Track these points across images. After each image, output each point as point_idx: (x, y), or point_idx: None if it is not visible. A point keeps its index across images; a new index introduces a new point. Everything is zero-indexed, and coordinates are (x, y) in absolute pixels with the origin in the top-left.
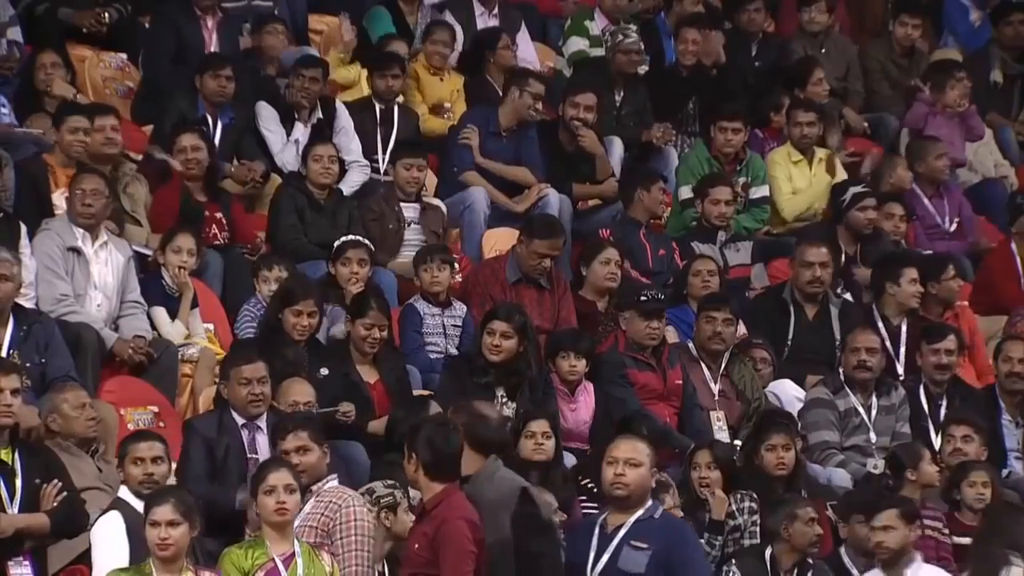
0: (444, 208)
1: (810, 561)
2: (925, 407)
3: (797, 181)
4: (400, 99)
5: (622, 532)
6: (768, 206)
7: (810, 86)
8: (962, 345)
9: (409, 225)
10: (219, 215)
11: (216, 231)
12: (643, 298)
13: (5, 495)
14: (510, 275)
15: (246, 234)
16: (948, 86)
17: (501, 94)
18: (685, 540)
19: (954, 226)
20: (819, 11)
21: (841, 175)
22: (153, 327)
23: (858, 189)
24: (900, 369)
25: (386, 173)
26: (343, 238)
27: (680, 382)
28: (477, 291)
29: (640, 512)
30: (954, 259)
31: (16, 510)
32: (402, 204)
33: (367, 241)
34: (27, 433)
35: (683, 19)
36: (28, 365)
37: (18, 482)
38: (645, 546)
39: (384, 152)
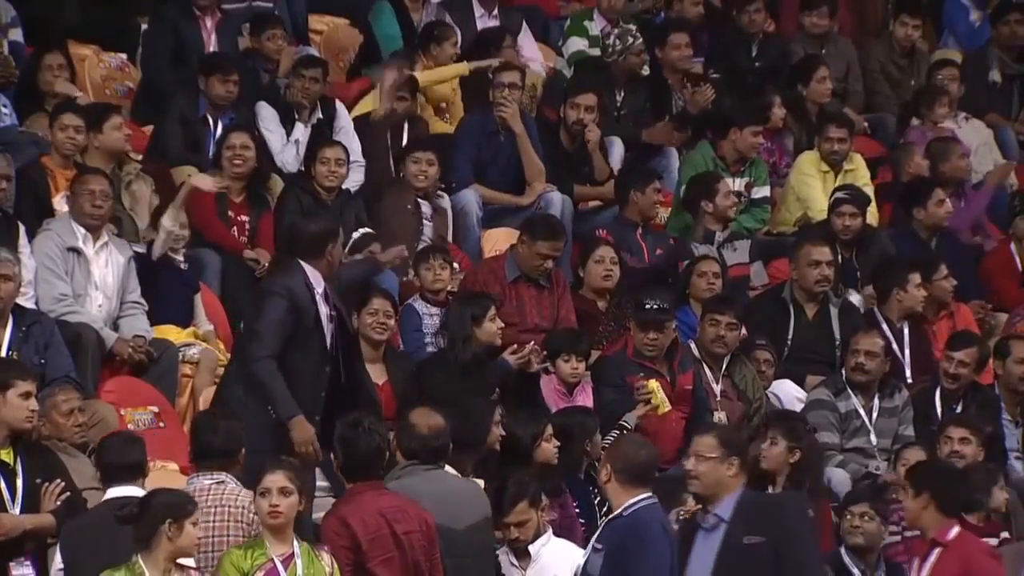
0: (450, 214)
1: None
2: (939, 411)
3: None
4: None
5: (596, 535)
6: (768, 206)
7: (814, 83)
8: (984, 358)
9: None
10: (243, 218)
11: (236, 233)
12: (646, 306)
13: (7, 495)
14: (509, 273)
15: (266, 240)
16: (937, 104)
17: None
18: (639, 537)
19: (967, 229)
20: (821, 16)
21: (864, 184)
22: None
23: (840, 194)
24: (907, 371)
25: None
26: (362, 230)
27: (690, 387)
28: (477, 290)
29: (616, 513)
30: (946, 259)
31: (18, 510)
32: (419, 200)
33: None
34: (27, 433)
35: (670, 22)
36: (28, 365)
37: (19, 482)
38: (601, 547)
39: (390, 159)
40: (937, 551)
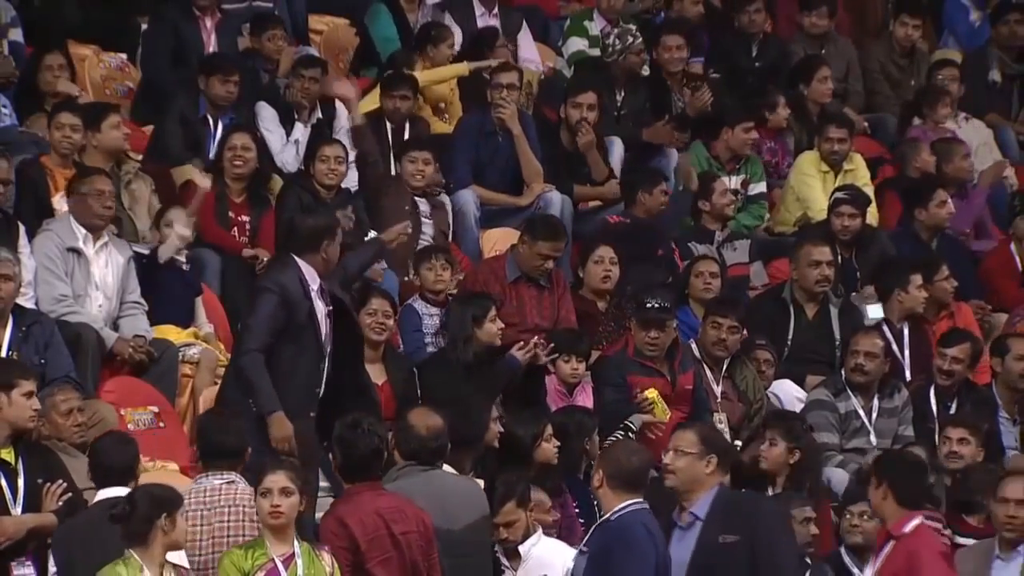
0: (449, 209)
1: (808, 561)
2: (934, 409)
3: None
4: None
5: (584, 539)
6: (765, 203)
7: (816, 83)
8: (977, 354)
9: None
10: (243, 218)
11: (236, 233)
12: (647, 305)
13: (8, 494)
14: (509, 274)
15: (267, 241)
16: (940, 104)
17: None
18: (624, 540)
19: (968, 229)
20: (820, 16)
21: (864, 184)
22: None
23: (840, 195)
24: (907, 371)
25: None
26: (372, 235)
27: (691, 387)
28: (477, 290)
29: (604, 517)
30: (946, 260)
31: (19, 510)
32: (416, 199)
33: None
34: (29, 433)
35: (668, 23)
36: (28, 365)
37: (20, 481)
38: (586, 550)
39: (392, 159)
40: (891, 544)
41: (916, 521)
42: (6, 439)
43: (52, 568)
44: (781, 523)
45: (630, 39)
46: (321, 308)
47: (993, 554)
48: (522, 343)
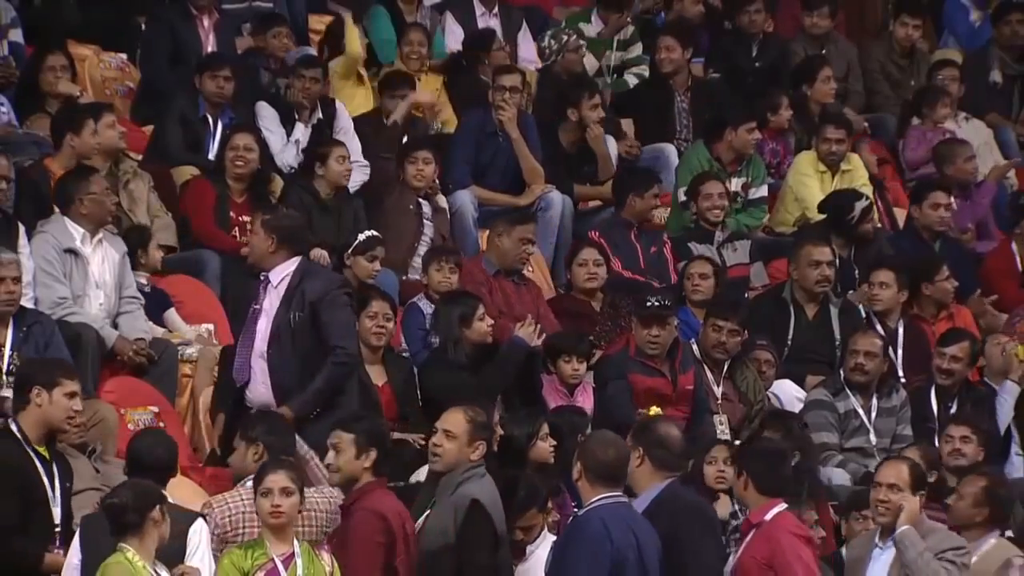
0: (448, 212)
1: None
2: (935, 409)
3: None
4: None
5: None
6: (766, 206)
7: (819, 83)
8: (976, 354)
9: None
10: (244, 219)
11: (237, 233)
12: (648, 303)
13: (49, 492)
14: (487, 270)
15: None
16: (939, 104)
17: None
18: (576, 534)
19: (971, 226)
20: (822, 16)
21: (863, 184)
22: None
23: (864, 204)
24: (900, 371)
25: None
26: (368, 233)
27: (691, 387)
28: (470, 287)
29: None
30: (947, 260)
31: (59, 510)
32: (419, 200)
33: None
34: (63, 434)
35: (668, 25)
36: None
37: (56, 483)
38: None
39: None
40: (752, 531)
41: (777, 509)
42: (41, 437)
43: (75, 559)
44: (703, 526)
45: (564, 37)
46: (264, 301)
47: (874, 542)
48: (520, 324)
